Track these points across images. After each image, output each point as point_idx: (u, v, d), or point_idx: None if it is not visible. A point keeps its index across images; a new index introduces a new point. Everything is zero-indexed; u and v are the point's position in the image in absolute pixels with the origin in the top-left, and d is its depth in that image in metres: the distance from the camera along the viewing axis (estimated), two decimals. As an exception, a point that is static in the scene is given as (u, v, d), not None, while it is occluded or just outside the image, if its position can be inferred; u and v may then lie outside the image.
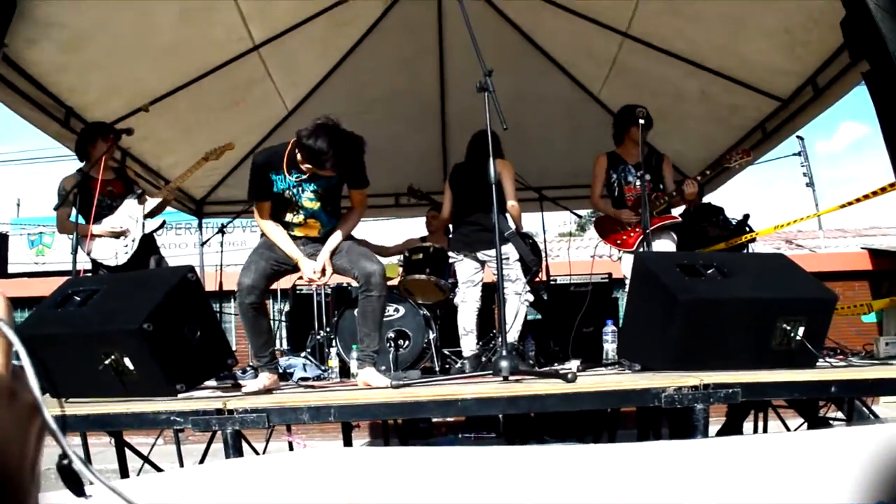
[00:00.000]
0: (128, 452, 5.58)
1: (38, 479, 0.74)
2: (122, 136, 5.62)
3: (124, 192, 5.75)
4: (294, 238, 4.26)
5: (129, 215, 5.61)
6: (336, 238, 4.24)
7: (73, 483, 0.85)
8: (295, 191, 4.15)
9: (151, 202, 5.76)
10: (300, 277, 4.35)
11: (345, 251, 4.24)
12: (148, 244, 5.71)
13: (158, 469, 6.04)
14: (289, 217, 4.26)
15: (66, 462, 0.83)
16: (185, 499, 2.57)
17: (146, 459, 6.01)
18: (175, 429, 6.88)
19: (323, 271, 4.18)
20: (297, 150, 3.99)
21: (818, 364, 3.84)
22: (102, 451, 6.14)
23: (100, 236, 5.53)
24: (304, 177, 4.10)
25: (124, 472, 5.49)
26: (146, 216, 5.69)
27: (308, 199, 4.19)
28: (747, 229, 7.68)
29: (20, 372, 0.75)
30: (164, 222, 5.94)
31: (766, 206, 64.58)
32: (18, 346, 0.76)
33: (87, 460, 4.92)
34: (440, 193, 6.45)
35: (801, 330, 3.69)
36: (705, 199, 7.93)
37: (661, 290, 3.82)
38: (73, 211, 5.50)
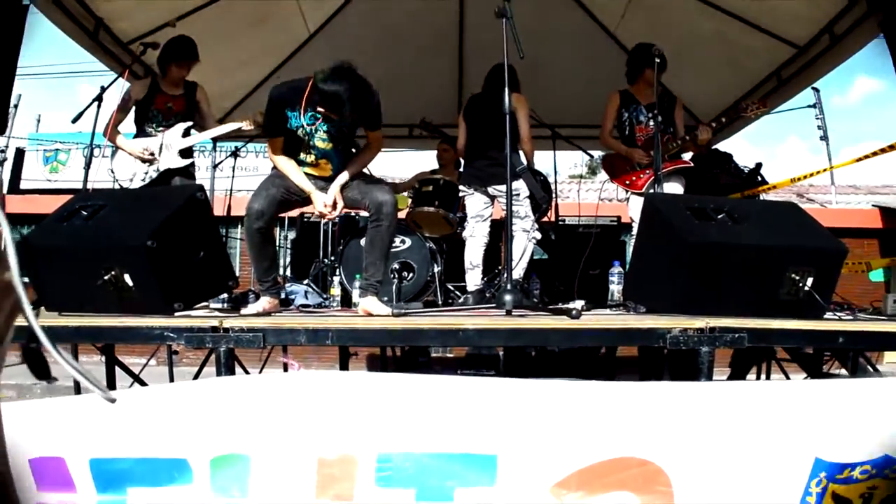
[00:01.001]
0: (118, 372, 5.57)
1: (4, 355, 0.71)
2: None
3: (183, 113, 5.69)
4: (308, 176, 4.22)
5: (167, 144, 5.54)
6: (346, 173, 4.21)
7: (39, 367, 0.81)
8: (309, 129, 4.12)
9: (193, 140, 5.67)
10: (312, 211, 4.31)
11: (356, 184, 4.22)
12: (172, 176, 5.61)
13: (147, 387, 6.06)
14: (301, 156, 4.23)
15: (33, 346, 0.79)
16: (173, 410, 2.56)
17: (136, 378, 6.00)
18: (168, 347, 6.93)
19: (334, 205, 4.15)
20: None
21: (825, 317, 3.79)
22: (91, 369, 6.15)
23: (127, 152, 5.50)
24: (319, 117, 4.05)
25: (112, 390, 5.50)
26: (182, 152, 5.61)
27: (321, 139, 4.16)
28: (759, 179, 7.60)
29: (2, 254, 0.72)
30: (193, 162, 5.82)
31: (778, 159, 64.13)
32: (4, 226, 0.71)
33: (77, 384, 4.94)
34: (453, 127, 6.37)
35: (809, 280, 3.64)
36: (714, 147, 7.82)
37: (669, 233, 3.76)
38: (127, 118, 5.57)
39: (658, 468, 2.43)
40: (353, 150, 4.40)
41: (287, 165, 4.16)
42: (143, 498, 2.51)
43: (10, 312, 0.74)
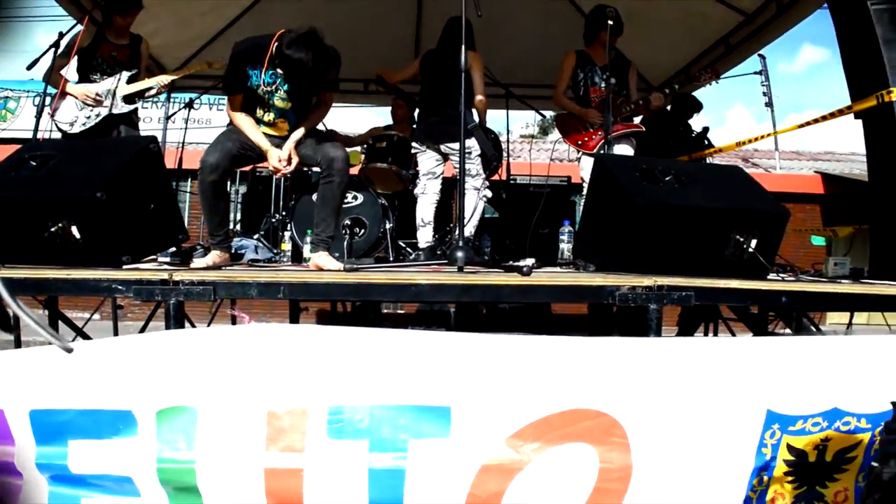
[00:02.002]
0: (62, 326, 5.51)
1: None
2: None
3: (127, 63, 5.60)
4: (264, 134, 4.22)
5: (110, 89, 5.45)
6: (301, 130, 4.22)
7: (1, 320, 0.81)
8: (269, 89, 4.12)
9: (138, 85, 5.57)
10: (265, 166, 4.30)
11: (309, 140, 4.22)
12: (115, 124, 5.53)
13: (90, 342, 6.00)
14: (259, 114, 4.24)
15: None
16: (118, 362, 2.53)
17: (79, 331, 5.95)
18: (113, 301, 6.86)
19: (289, 160, 4.14)
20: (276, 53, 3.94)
21: (769, 278, 3.88)
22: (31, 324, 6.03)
23: (71, 95, 5.42)
24: (279, 77, 4.06)
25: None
26: (127, 98, 5.51)
27: (280, 98, 4.17)
28: (706, 143, 7.74)
29: None
30: (136, 109, 5.73)
31: (725, 126, 64.86)
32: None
33: (18, 339, 4.88)
34: (408, 83, 6.32)
35: (753, 242, 3.73)
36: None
37: (619, 194, 3.81)
38: (70, 67, 5.44)
39: (613, 420, 2.45)
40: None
41: (244, 122, 4.14)
42: (85, 450, 2.46)
43: None
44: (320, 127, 4.55)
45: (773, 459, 2.54)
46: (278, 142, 4.20)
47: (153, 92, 5.65)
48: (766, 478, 2.55)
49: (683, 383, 2.52)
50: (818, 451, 2.59)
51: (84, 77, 5.52)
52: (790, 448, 2.55)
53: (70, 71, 5.55)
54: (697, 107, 7.82)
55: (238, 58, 4.05)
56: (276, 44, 3.94)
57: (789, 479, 2.58)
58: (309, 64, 3.77)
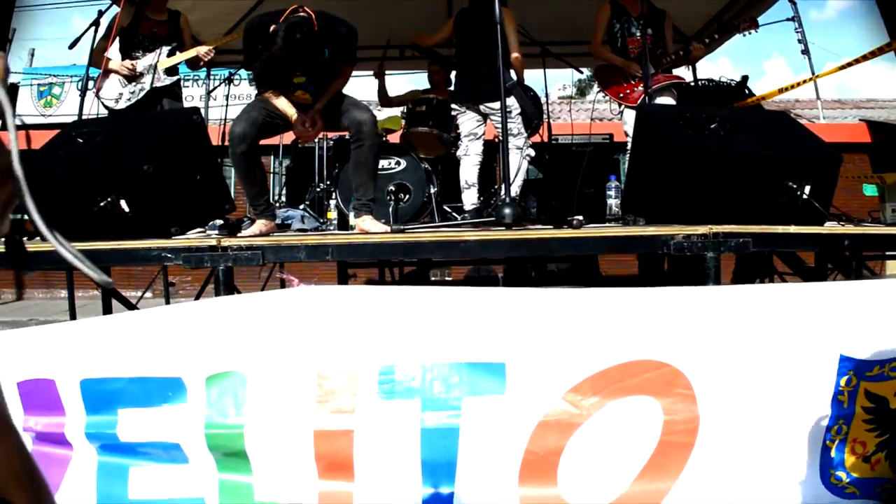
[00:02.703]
0: (115, 305, 5.57)
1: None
2: None
3: (167, 38, 5.61)
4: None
5: (151, 63, 5.46)
6: (326, 95, 4.20)
7: (19, 259, 0.79)
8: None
9: (178, 57, 5.57)
10: (295, 136, 4.29)
11: (334, 106, 4.20)
12: (158, 97, 5.53)
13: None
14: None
15: (17, 238, 0.77)
16: (167, 329, 2.53)
17: (133, 308, 5.99)
18: (164, 278, 6.94)
19: (312, 123, 4.12)
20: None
21: (826, 225, 3.77)
22: (88, 304, 6.15)
23: (114, 72, 5.45)
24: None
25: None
26: (169, 70, 5.52)
27: (296, 73, 4.14)
28: (747, 92, 7.56)
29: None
30: (179, 77, 5.74)
31: (761, 77, 63.71)
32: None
33: (73, 311, 4.95)
34: (443, 46, 6.24)
35: (807, 189, 3.62)
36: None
37: (665, 143, 3.74)
38: (111, 48, 5.44)
39: (677, 370, 2.40)
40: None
41: (269, 92, 4.13)
42: (135, 418, 2.48)
43: (8, 200, 0.71)
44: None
45: (852, 406, 2.46)
46: (302, 111, 4.18)
47: (200, 63, 5.64)
48: (844, 426, 2.47)
49: (749, 331, 2.45)
50: None
51: (127, 55, 5.55)
52: (868, 394, 2.46)
53: (113, 52, 5.58)
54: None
55: (249, 36, 4.03)
56: (288, 13, 3.92)
57: (869, 426, 2.49)
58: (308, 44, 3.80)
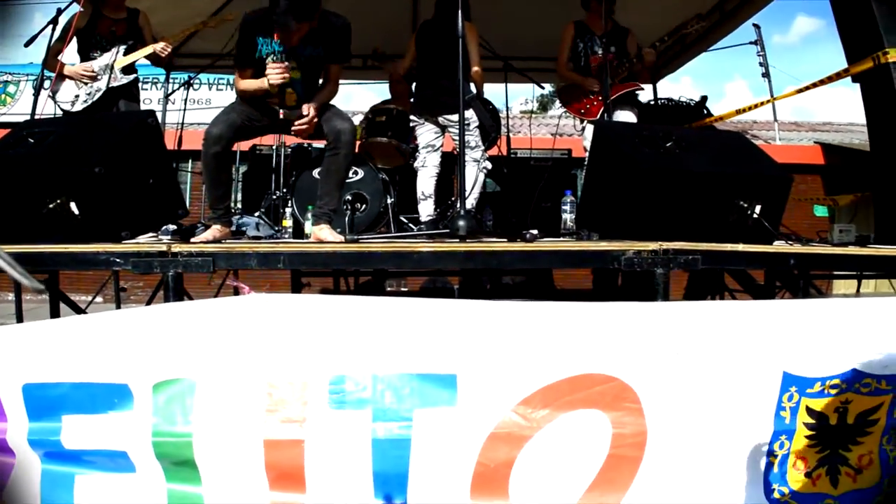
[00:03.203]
0: (63, 308, 5.48)
1: None
2: None
3: (126, 37, 5.54)
4: (269, 107, 4.18)
5: (107, 63, 5.39)
6: (318, 98, 4.18)
7: None
8: (279, 58, 4.06)
9: (135, 54, 5.50)
10: (266, 143, 4.24)
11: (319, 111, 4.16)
12: (115, 98, 5.47)
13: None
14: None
15: None
16: (114, 335, 2.50)
17: (81, 313, 5.90)
18: (115, 283, 6.83)
19: (310, 119, 4.07)
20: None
21: (775, 244, 3.84)
22: (35, 308, 6.05)
23: (69, 77, 5.38)
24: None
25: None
26: (125, 69, 5.45)
27: (291, 67, 4.11)
28: (705, 112, 7.69)
29: None
30: (136, 77, 5.66)
31: (723, 98, 64.81)
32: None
33: (20, 315, 4.86)
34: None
35: (757, 208, 3.69)
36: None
37: (620, 159, 3.78)
38: (67, 50, 5.39)
39: (625, 384, 2.42)
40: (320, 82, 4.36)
41: (250, 82, 4.09)
42: (80, 425, 2.43)
43: None
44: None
45: (793, 423, 2.50)
46: (286, 111, 4.16)
47: (153, 60, 5.58)
48: (787, 442, 2.51)
49: (695, 346, 2.48)
50: (839, 414, 2.55)
51: (85, 55, 5.48)
52: (810, 411, 2.51)
53: (71, 53, 5.51)
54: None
55: (248, 26, 4.01)
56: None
57: (811, 442, 2.53)
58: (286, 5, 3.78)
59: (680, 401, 2.44)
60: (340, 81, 4.36)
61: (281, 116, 4.12)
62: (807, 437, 2.52)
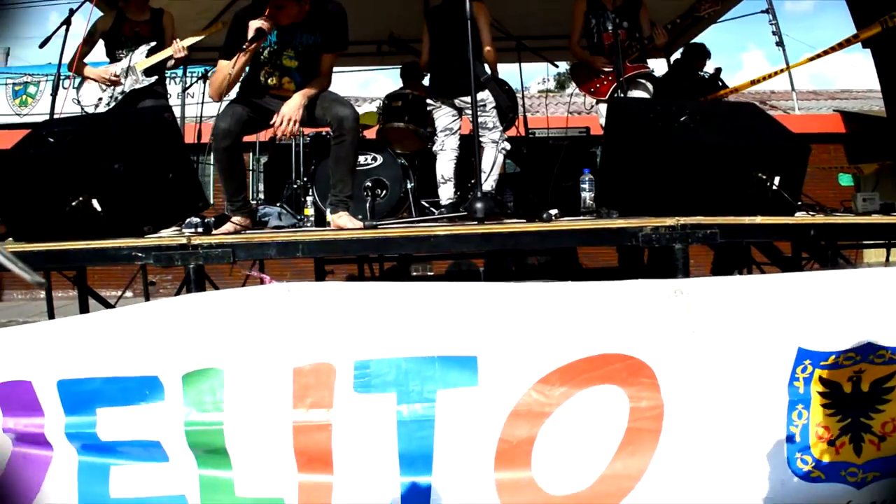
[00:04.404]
0: (92, 304, 5.56)
1: None
2: None
3: (150, 38, 5.56)
4: (270, 98, 4.16)
5: (131, 66, 5.43)
6: (309, 90, 4.12)
7: None
8: (276, 47, 4.09)
9: (154, 57, 5.51)
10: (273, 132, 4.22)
11: (317, 101, 4.15)
12: (140, 98, 5.48)
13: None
14: (262, 78, 4.18)
15: None
16: (142, 328, 2.55)
17: (110, 308, 5.98)
18: (144, 278, 6.91)
19: (289, 120, 4.01)
20: None
21: (797, 215, 3.83)
22: (66, 305, 6.14)
23: (91, 79, 5.42)
24: (285, 34, 4.05)
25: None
26: (147, 71, 5.49)
27: (289, 56, 4.13)
28: (720, 84, 7.62)
29: None
30: (161, 81, 5.69)
31: (743, 68, 63.99)
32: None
33: (51, 312, 4.94)
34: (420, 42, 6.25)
35: (776, 179, 3.66)
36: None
37: (635, 136, 3.78)
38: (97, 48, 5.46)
39: (641, 362, 2.47)
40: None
41: (227, 64, 4.00)
42: (114, 417, 2.51)
43: None
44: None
45: (808, 392, 2.52)
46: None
47: (171, 63, 5.61)
48: (804, 412, 2.53)
49: (711, 324, 2.50)
50: (852, 382, 2.56)
51: (112, 58, 5.51)
52: (822, 380, 2.53)
53: (99, 53, 5.57)
54: (706, 54, 7.70)
55: (240, 19, 3.99)
56: None
57: (829, 411, 2.55)
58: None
59: (695, 376, 2.48)
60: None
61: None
62: (823, 405, 2.55)
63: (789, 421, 2.52)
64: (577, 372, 2.46)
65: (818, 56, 6.00)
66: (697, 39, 8.02)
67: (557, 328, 2.49)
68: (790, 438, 2.52)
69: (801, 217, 3.59)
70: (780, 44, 18.86)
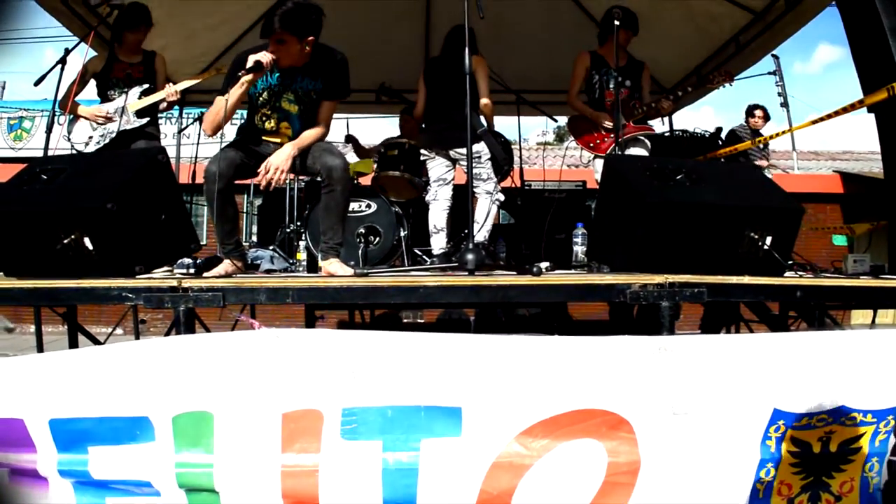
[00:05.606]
0: (82, 340, 5.58)
1: None
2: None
3: (142, 80, 5.67)
4: (265, 144, 4.23)
5: (123, 107, 5.50)
6: (301, 141, 4.14)
7: None
8: (276, 89, 4.14)
9: (147, 99, 5.60)
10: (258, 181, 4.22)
11: (308, 152, 4.17)
12: (132, 139, 5.58)
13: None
14: (259, 123, 4.24)
15: None
16: (133, 368, 2.56)
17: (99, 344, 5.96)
18: (135, 315, 6.90)
19: (278, 170, 4.04)
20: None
21: (786, 276, 3.85)
22: (57, 340, 6.12)
23: (84, 118, 5.50)
24: (286, 77, 4.10)
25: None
26: (139, 112, 5.55)
27: (288, 100, 4.18)
28: (720, 143, 7.71)
29: None
30: (154, 122, 5.78)
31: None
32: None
33: (40, 346, 4.93)
34: (416, 92, 6.33)
35: (768, 239, 3.69)
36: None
37: (629, 193, 3.80)
38: (88, 88, 5.58)
39: (621, 417, 2.51)
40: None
41: (222, 100, 4.04)
42: (105, 456, 2.52)
43: None
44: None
45: (779, 451, 2.57)
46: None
47: (164, 106, 5.68)
48: (773, 470, 2.57)
49: (689, 384, 2.55)
50: (822, 443, 2.63)
51: (104, 97, 5.61)
52: (794, 440, 2.58)
53: (90, 92, 5.64)
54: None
55: (243, 62, 4.00)
56: None
57: (795, 469, 2.61)
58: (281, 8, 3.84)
59: (672, 430, 2.51)
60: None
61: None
62: (791, 464, 2.60)
63: (756, 478, 2.56)
64: (559, 425, 2.49)
65: (822, 119, 6.06)
66: (704, 99, 8.19)
67: (541, 382, 2.52)
68: (755, 494, 2.57)
69: (788, 278, 3.61)
70: (784, 104, 19.15)
